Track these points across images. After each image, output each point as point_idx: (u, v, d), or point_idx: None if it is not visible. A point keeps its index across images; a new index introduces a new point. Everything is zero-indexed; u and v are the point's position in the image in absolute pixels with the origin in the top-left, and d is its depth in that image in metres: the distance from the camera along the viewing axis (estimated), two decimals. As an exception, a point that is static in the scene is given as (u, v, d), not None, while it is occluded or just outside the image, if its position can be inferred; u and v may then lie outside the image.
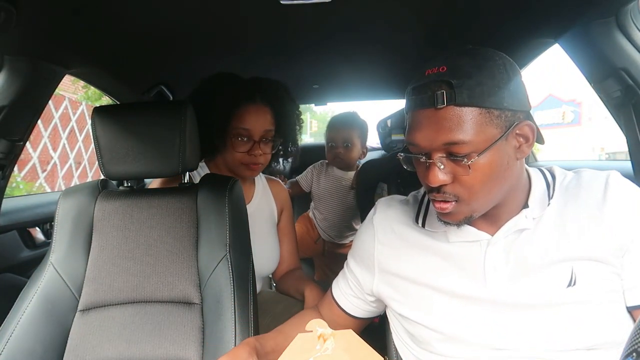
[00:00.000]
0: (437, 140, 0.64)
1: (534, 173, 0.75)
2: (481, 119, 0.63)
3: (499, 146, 0.64)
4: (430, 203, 0.81)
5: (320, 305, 0.94)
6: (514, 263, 0.70)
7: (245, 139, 1.21)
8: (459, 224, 0.71)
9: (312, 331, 0.52)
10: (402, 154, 0.72)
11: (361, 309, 0.89)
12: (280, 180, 1.48)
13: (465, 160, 0.63)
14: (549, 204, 0.70)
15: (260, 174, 1.41)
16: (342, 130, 1.92)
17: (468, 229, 0.74)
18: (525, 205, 0.71)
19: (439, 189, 0.67)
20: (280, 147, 1.33)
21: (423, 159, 0.67)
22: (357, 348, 0.52)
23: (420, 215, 0.81)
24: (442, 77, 0.63)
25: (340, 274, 0.93)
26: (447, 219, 0.70)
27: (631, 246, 0.65)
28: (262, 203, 1.34)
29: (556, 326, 0.66)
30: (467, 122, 0.62)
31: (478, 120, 0.63)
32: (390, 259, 0.81)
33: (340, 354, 0.50)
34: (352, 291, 0.88)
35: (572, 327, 0.65)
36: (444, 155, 0.65)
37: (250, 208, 1.28)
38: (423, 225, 0.79)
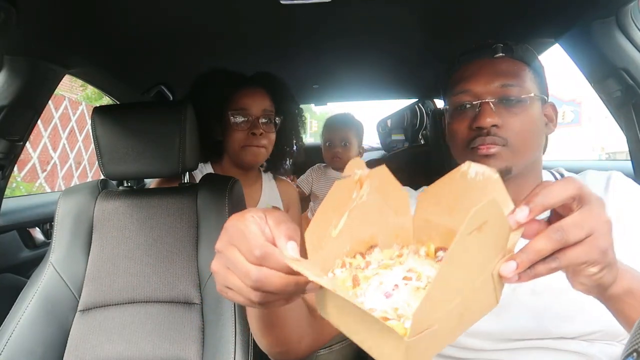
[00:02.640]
0: (492, 82, 0.71)
1: (544, 173, 0.79)
2: (530, 76, 0.73)
3: (538, 106, 0.73)
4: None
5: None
6: None
7: (243, 118, 1.21)
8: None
9: (349, 176, 0.48)
10: (447, 106, 0.77)
11: None
12: (289, 181, 1.47)
13: (524, 96, 0.70)
14: None
15: (270, 174, 1.40)
16: (340, 130, 1.95)
17: None
18: None
19: (488, 132, 0.70)
20: (284, 136, 1.32)
21: (476, 102, 0.72)
22: (388, 185, 0.49)
23: None
24: (496, 42, 0.75)
25: None
26: (489, 163, 0.71)
27: (630, 238, 0.66)
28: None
29: (559, 313, 0.66)
30: (519, 72, 0.72)
31: (527, 76, 0.73)
32: None
33: (374, 198, 0.47)
34: None
35: (574, 314, 0.65)
36: (496, 100, 0.71)
37: None
38: None
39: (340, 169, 2.01)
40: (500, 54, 0.73)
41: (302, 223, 2.10)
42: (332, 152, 1.96)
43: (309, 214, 2.13)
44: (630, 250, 0.65)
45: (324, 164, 2.07)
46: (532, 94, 0.72)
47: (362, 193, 0.47)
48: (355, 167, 0.46)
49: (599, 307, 0.64)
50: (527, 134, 0.71)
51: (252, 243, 0.38)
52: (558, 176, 0.78)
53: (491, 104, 0.70)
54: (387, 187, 0.48)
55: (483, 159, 0.72)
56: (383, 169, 0.48)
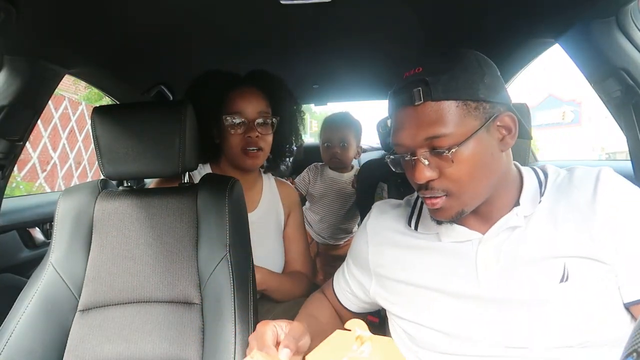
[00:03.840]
0: (418, 136, 0.67)
1: (527, 172, 0.75)
2: (459, 112, 0.65)
3: (481, 137, 0.67)
4: (423, 203, 0.81)
5: (325, 292, 0.97)
6: (505, 261, 0.70)
7: (239, 121, 1.20)
8: (451, 221, 0.72)
9: (350, 330, 0.52)
10: (389, 157, 0.74)
11: (356, 304, 0.92)
12: (290, 183, 1.47)
13: (447, 152, 0.65)
14: (540, 202, 0.71)
15: (271, 175, 1.40)
16: (338, 130, 1.93)
17: (460, 229, 0.74)
18: (517, 204, 0.72)
19: (427, 186, 0.69)
20: (283, 136, 1.31)
21: (408, 157, 0.69)
22: (393, 357, 0.51)
23: (413, 218, 0.82)
24: (418, 77, 0.67)
25: (340, 269, 0.95)
26: (438, 215, 0.71)
27: (623, 242, 0.64)
28: (269, 210, 1.33)
29: (550, 323, 0.66)
30: (445, 116, 0.65)
31: (456, 113, 0.65)
32: (384, 263, 0.82)
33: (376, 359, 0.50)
34: (349, 288, 0.91)
35: (566, 324, 0.65)
36: (427, 151, 0.67)
37: (255, 216, 1.27)
38: (416, 228, 0.80)
39: (338, 169, 2.00)
40: (419, 102, 0.66)
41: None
42: (331, 153, 1.94)
43: None
44: (622, 249, 0.64)
45: (321, 163, 2.05)
46: (467, 136, 0.65)
47: (363, 349, 0.51)
48: (357, 326, 0.53)
49: (592, 319, 0.64)
50: (468, 177, 0.67)
51: (261, 344, 0.61)
52: (541, 173, 0.74)
53: (422, 158, 0.67)
54: (392, 357, 0.52)
55: (433, 212, 0.72)
56: (388, 341, 0.53)
